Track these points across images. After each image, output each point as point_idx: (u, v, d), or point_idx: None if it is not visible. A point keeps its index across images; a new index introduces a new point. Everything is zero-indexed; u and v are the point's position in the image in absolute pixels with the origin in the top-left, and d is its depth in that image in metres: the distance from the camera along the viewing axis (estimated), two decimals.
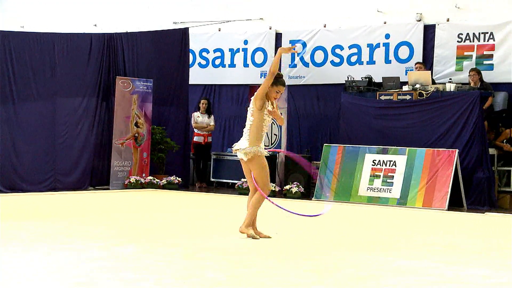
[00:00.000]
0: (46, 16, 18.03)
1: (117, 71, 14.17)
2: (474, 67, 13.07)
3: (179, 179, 14.08)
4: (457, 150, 11.67)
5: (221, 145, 16.04)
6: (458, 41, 13.62)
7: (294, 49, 7.73)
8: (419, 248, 7.01)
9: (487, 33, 13.32)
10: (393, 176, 12.01)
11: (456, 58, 13.63)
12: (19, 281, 4.78)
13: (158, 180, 13.88)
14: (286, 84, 7.44)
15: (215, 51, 16.35)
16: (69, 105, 13.36)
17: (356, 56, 14.69)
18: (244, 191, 13.36)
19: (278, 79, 7.17)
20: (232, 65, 16.17)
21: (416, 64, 13.54)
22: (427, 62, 13.92)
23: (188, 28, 15.27)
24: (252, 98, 7.25)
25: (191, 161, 15.38)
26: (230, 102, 16.17)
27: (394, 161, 12.08)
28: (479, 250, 7.02)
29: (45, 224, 7.95)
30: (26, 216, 8.86)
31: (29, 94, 12.91)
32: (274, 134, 13.38)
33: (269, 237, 7.23)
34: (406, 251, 6.81)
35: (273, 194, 12.77)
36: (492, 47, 13.30)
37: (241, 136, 7.34)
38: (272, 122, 14.47)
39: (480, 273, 5.65)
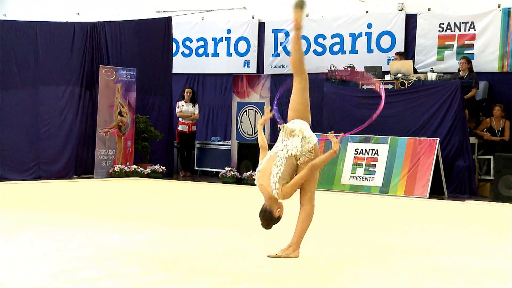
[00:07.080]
0: (29, 4, 17.89)
1: (101, 60, 14.11)
2: (465, 55, 13.07)
3: (163, 167, 14.07)
4: (438, 139, 11.73)
5: (205, 134, 16.03)
6: (439, 31, 13.66)
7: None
8: (399, 236, 7.05)
9: (468, 22, 13.37)
10: (375, 164, 12.05)
11: (438, 48, 13.67)
12: (1, 269, 4.77)
13: (142, 169, 13.85)
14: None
15: (198, 40, 16.30)
16: (53, 94, 13.29)
17: (339, 45, 14.70)
18: (227, 180, 13.35)
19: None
20: (215, 54, 16.13)
21: (395, 54, 13.57)
22: (409, 52, 13.94)
23: (171, 17, 15.21)
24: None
25: (175, 150, 15.37)
26: (214, 91, 16.15)
27: (377, 150, 12.12)
28: (459, 238, 7.07)
29: (28, 213, 7.92)
30: (9, 205, 8.80)
31: (12, 82, 12.82)
32: None
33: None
34: (385, 238, 6.85)
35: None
36: (473, 37, 13.35)
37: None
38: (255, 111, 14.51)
39: (460, 260, 5.69)
